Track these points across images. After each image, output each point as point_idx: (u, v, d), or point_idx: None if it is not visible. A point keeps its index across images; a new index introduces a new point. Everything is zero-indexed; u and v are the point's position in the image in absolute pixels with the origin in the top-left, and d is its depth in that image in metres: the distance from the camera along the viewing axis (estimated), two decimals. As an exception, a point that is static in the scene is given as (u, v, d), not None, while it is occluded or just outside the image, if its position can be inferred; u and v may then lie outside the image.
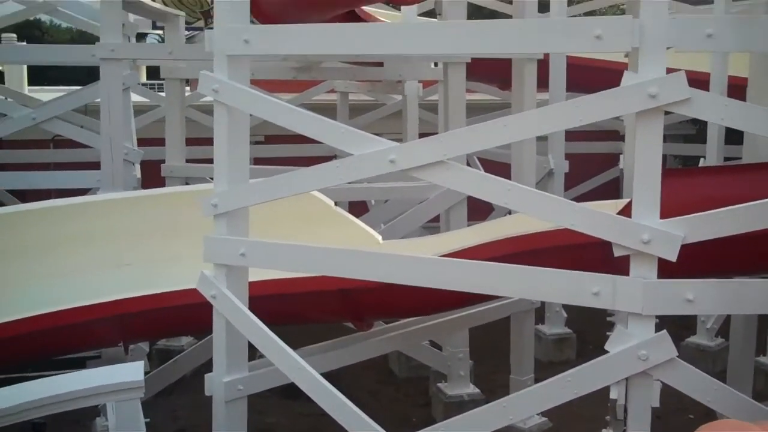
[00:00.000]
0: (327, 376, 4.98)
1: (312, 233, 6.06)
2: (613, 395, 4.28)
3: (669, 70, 4.00)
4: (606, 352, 4.29)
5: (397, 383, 9.03)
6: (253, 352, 5.40)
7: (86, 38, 13.77)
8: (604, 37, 4.05)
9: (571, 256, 4.88)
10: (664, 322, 4.29)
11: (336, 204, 6.91)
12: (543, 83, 8.67)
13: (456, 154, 4.53)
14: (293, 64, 9.11)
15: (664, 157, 5.38)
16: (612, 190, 12.51)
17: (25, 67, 15.92)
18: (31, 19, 16.76)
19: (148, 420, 4.82)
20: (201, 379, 5.42)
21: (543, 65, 8.44)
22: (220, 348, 5.25)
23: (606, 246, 4.21)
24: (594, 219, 4.22)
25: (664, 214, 4.09)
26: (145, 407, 4.71)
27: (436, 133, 5.46)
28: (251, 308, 5.13)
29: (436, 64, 9.35)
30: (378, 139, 4.70)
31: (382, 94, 11.84)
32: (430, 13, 10.63)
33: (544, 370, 7.56)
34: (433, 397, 8.21)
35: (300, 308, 6.32)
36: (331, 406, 4.79)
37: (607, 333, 4.56)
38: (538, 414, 7.27)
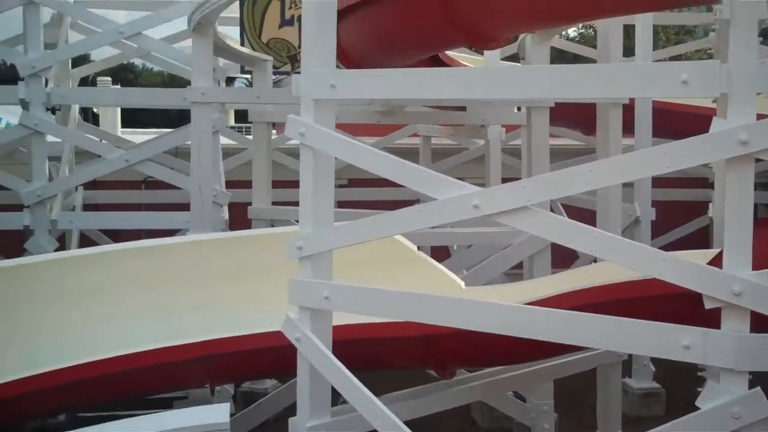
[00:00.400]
0: (409, 424, 4.93)
1: (394, 278, 6.05)
2: (704, 453, 4.13)
3: (759, 116, 3.91)
4: (696, 408, 4.15)
5: (479, 433, 8.91)
6: (336, 397, 5.40)
7: (177, 82, 14.19)
8: (690, 82, 3.98)
9: (659, 308, 4.76)
10: (756, 377, 4.14)
11: (418, 248, 6.91)
12: (628, 128, 8.57)
13: (540, 200, 4.48)
14: (377, 108, 9.21)
15: (756, 206, 5.23)
16: (701, 239, 12.18)
17: (118, 109, 16.47)
18: (125, 62, 17.36)
19: (233, 462, 4.84)
20: (284, 424, 5.42)
21: (628, 110, 8.34)
22: (304, 392, 5.25)
23: (695, 297, 4.10)
24: (683, 269, 4.11)
25: (756, 265, 3.97)
26: (229, 449, 4.74)
27: (519, 179, 5.42)
28: (335, 352, 5.13)
29: (519, 109, 9.34)
30: (461, 184, 4.70)
31: (465, 138, 11.85)
32: (514, 57, 10.65)
33: (632, 425, 7.37)
34: (516, 449, 8.07)
35: (383, 353, 6.30)
36: (412, 454, 4.74)
37: (698, 389, 4.42)
38: (624, 470, 7.07)
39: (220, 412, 4.60)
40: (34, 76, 8.37)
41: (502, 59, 10.16)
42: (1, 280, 6.47)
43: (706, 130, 4.06)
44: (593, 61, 10.53)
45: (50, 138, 8.86)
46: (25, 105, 8.43)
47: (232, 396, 7.65)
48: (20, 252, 8.39)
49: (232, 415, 5.05)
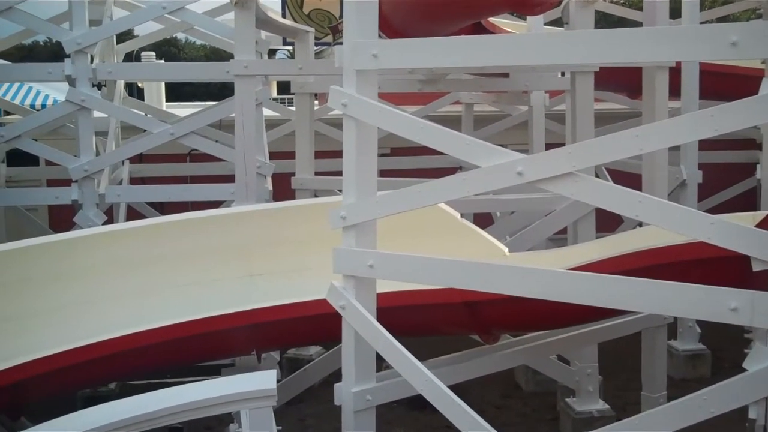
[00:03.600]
0: (453, 388, 4.98)
1: (438, 245, 6.07)
2: (752, 415, 4.12)
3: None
4: (743, 370, 4.13)
5: (523, 397, 8.93)
6: (380, 363, 5.45)
7: (220, 55, 14.27)
8: (740, 44, 3.92)
9: (706, 271, 4.72)
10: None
11: (461, 216, 6.91)
12: (674, 91, 8.43)
13: (585, 166, 4.47)
14: (419, 76, 9.16)
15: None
16: (748, 201, 11.99)
17: (163, 83, 16.60)
18: (168, 37, 17.45)
19: (279, 428, 4.93)
20: (330, 389, 5.51)
21: (674, 73, 8.21)
22: (349, 358, 5.33)
23: (743, 260, 4.06)
24: (731, 232, 4.07)
25: (806, 227, 3.92)
26: (275, 415, 4.82)
27: (563, 144, 5.39)
28: (379, 319, 5.19)
29: (563, 74, 9.23)
30: (505, 151, 4.69)
31: (508, 104, 11.75)
32: (557, 22, 10.52)
33: (677, 387, 7.34)
34: (561, 413, 8.08)
35: (427, 320, 6.34)
36: (457, 419, 4.79)
37: (745, 350, 4.40)
38: (671, 432, 7.04)
39: (267, 378, 4.66)
40: (80, 52, 8.45)
41: (545, 24, 10.05)
42: (54, 252, 6.61)
43: (755, 92, 4.00)
44: (639, 24, 10.36)
45: (96, 113, 8.98)
46: (71, 81, 8.53)
47: (278, 363, 7.74)
48: (70, 226, 8.55)
49: (278, 381, 5.11)
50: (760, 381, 4.06)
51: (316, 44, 11.49)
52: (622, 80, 9.54)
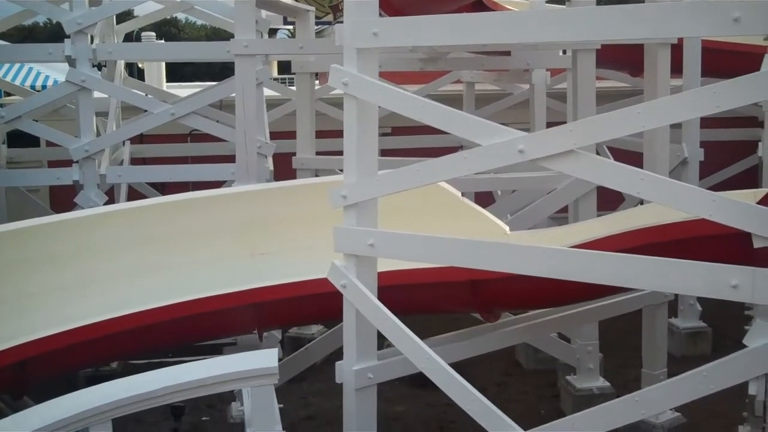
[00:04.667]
0: (454, 366, 5.00)
1: (439, 224, 6.08)
2: (752, 391, 4.14)
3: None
4: (743, 346, 4.14)
5: (524, 375, 8.97)
6: (382, 341, 5.47)
7: (220, 35, 14.22)
8: (743, 20, 3.90)
9: (707, 248, 4.72)
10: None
11: (462, 194, 6.91)
12: (676, 69, 8.40)
13: (587, 143, 4.46)
14: (420, 55, 9.13)
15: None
16: (750, 179, 11.97)
17: (163, 64, 16.55)
18: (168, 17, 17.38)
19: (281, 406, 4.95)
20: (331, 367, 5.53)
21: (676, 50, 8.17)
22: (350, 337, 5.34)
23: (744, 237, 4.06)
24: (732, 209, 4.07)
25: (808, 203, 3.92)
26: (277, 393, 4.84)
27: (565, 123, 5.38)
28: (380, 298, 5.20)
29: (564, 52, 9.20)
30: (506, 129, 4.68)
31: (509, 83, 11.73)
32: (558, 0, 10.48)
33: (677, 364, 7.35)
34: (561, 390, 8.11)
35: (428, 298, 6.36)
36: (458, 396, 4.81)
37: (745, 327, 4.40)
38: (671, 409, 7.07)
39: (268, 356, 4.69)
40: (80, 33, 8.42)
41: (547, 2, 10.00)
42: (54, 232, 6.62)
43: (757, 69, 3.98)
44: (640, 0, 10.30)
45: (97, 94, 8.96)
46: (71, 62, 8.51)
47: (279, 341, 7.77)
48: (71, 206, 8.55)
49: (280, 359, 5.14)
50: (760, 357, 4.07)
51: (317, 23, 11.43)
52: (623, 58, 9.50)
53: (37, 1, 9.10)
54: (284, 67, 17.54)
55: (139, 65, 16.96)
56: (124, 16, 15.14)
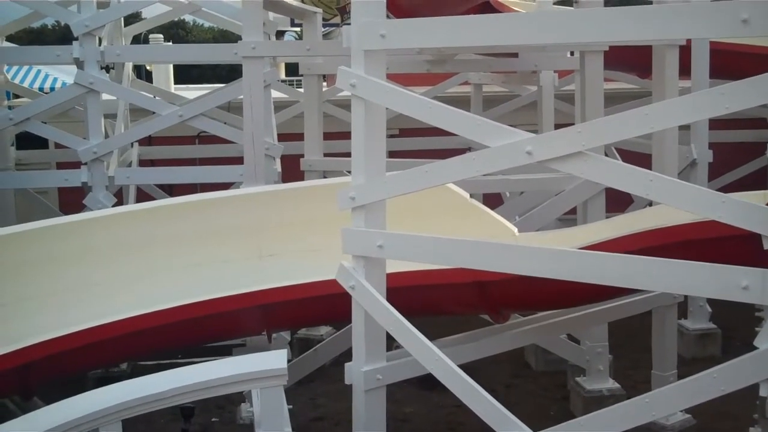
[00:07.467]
0: (463, 367, 5.00)
1: (447, 225, 6.08)
2: (762, 393, 4.12)
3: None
4: (754, 348, 4.13)
5: (533, 376, 8.95)
6: (391, 343, 5.47)
7: (228, 37, 14.24)
8: (751, 21, 3.89)
9: (717, 250, 4.71)
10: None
11: (471, 196, 6.91)
12: (684, 70, 8.38)
13: (595, 145, 4.46)
14: (427, 57, 9.13)
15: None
16: (759, 180, 11.94)
17: (171, 66, 16.59)
18: (176, 19, 17.42)
19: (290, 407, 4.96)
20: (340, 369, 5.54)
21: (684, 51, 8.15)
22: (359, 338, 5.35)
23: (754, 239, 4.05)
24: (742, 210, 4.06)
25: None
26: (286, 394, 4.85)
27: (573, 125, 5.37)
28: (389, 299, 5.20)
29: (572, 53, 9.19)
30: (514, 131, 4.68)
31: (517, 85, 11.72)
32: (566, 1, 10.46)
33: (687, 366, 7.35)
34: (571, 392, 8.10)
35: (436, 300, 6.36)
36: (468, 398, 4.81)
37: (756, 329, 4.39)
38: (681, 411, 7.06)
39: (277, 358, 4.69)
40: (88, 35, 8.44)
41: (554, 3, 9.99)
42: (61, 234, 6.64)
43: (765, 70, 3.97)
44: (648, 2, 10.29)
45: (105, 96, 8.98)
46: (79, 64, 8.53)
47: (288, 342, 7.78)
48: (80, 208, 8.58)
49: (289, 361, 5.14)
50: (771, 359, 4.06)
51: (324, 25, 11.45)
52: (632, 59, 9.48)
53: (45, 3, 9.11)
54: (292, 69, 17.59)
55: (147, 67, 17.01)
56: (132, 19, 15.17)
